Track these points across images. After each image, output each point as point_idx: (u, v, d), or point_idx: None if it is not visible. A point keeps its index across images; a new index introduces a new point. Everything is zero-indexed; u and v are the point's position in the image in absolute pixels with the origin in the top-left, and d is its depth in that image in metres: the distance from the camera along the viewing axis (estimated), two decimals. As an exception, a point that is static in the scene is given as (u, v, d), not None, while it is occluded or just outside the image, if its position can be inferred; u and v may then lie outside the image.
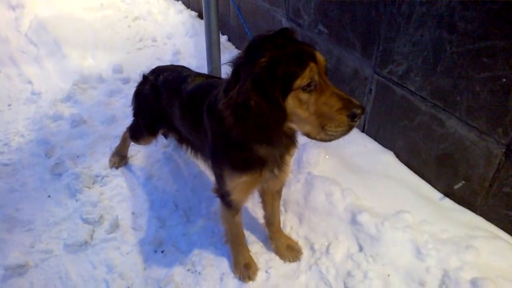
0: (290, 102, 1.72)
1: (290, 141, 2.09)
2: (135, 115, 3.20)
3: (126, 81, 4.43)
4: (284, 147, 2.12)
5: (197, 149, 2.75)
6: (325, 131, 1.71)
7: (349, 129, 1.70)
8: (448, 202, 2.83)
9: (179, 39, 4.96)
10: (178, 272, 2.71)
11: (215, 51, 3.73)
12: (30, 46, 5.15)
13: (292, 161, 2.43)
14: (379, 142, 3.25)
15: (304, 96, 1.70)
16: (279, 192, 2.63)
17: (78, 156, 3.62)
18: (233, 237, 2.63)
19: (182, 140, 2.93)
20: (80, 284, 2.72)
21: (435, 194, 2.89)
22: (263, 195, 2.65)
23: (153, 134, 3.11)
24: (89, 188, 3.34)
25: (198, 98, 2.37)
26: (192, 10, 5.75)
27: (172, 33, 5.27)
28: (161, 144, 3.68)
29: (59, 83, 4.49)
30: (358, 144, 3.26)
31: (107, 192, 3.32)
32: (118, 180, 3.40)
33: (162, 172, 3.44)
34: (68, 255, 2.89)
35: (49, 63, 4.81)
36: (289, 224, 2.87)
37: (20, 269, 2.80)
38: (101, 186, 3.38)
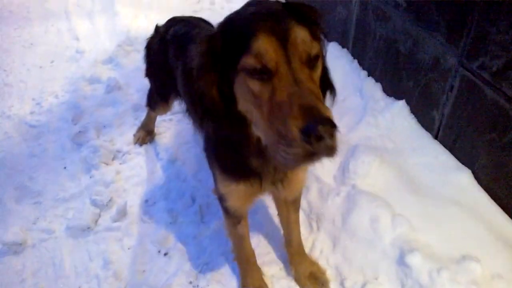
0: (237, 86, 1.21)
1: None
2: (146, 75, 2.76)
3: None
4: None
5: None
6: (277, 149, 1.09)
7: (307, 156, 1.04)
8: (538, 250, 2.08)
9: (238, 3, 4.40)
10: (178, 282, 2.27)
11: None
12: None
13: (303, 174, 1.85)
14: (454, 155, 2.50)
15: (252, 84, 1.15)
16: (294, 204, 2.05)
17: (104, 126, 3.28)
18: (239, 254, 2.14)
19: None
20: (72, 276, 2.40)
21: (520, 237, 2.15)
22: (277, 206, 2.13)
23: (165, 100, 2.65)
24: (107, 164, 2.99)
25: None
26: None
27: (231, -6, 4.73)
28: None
29: (105, 43, 4.17)
30: (426, 154, 2.54)
31: (124, 171, 2.94)
32: (139, 159, 3.01)
33: (188, 157, 2.98)
34: (67, 239, 2.58)
35: (100, 20, 4.51)
36: (319, 246, 2.29)
37: (16, 247, 2.55)
38: (120, 163, 3.01)
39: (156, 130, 3.20)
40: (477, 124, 2.28)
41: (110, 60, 3.91)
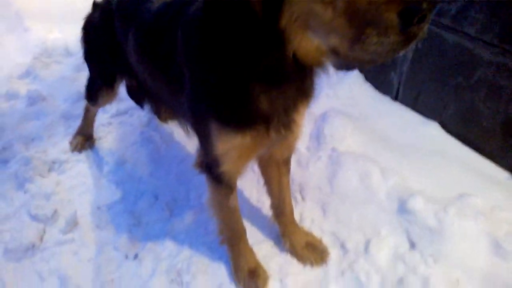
0: None
1: (302, 83, 1.36)
2: (86, 59, 2.42)
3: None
4: (294, 93, 1.39)
5: (168, 102, 1.95)
6: (363, 44, 0.95)
7: (405, 42, 0.92)
8: (519, 183, 2.11)
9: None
10: (157, 283, 1.95)
11: None
12: (-13, 21, 4.39)
13: (304, 119, 1.65)
14: (419, 112, 2.51)
15: None
16: (286, 164, 1.88)
17: (32, 139, 2.84)
18: (230, 232, 1.88)
19: (145, 90, 2.12)
20: (21, 302, 1.95)
21: (500, 173, 2.19)
22: (265, 170, 1.91)
23: (110, 85, 2.32)
24: (42, 177, 2.55)
25: (167, 20, 1.60)
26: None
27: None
28: (139, 123, 2.92)
29: (18, 59, 3.72)
30: (391, 115, 2.53)
31: (65, 181, 2.53)
32: (80, 167, 2.63)
33: (139, 157, 2.66)
34: (8, 263, 2.13)
35: (8, 38, 4.05)
36: (308, 216, 2.12)
37: None
38: (58, 174, 2.59)
39: (94, 136, 2.84)
40: (441, 73, 2.31)
41: (27, 74, 3.47)
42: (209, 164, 1.60)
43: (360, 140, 2.30)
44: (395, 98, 2.63)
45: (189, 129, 1.88)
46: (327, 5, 0.99)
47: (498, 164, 2.20)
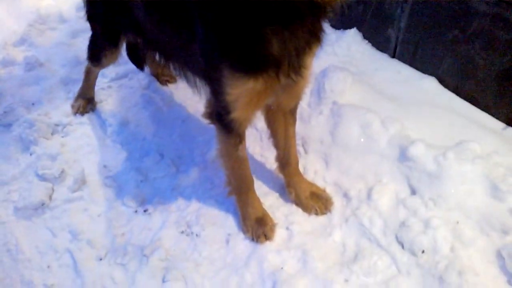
0: None
1: (313, 25, 1.40)
2: (89, 18, 2.40)
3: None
4: (305, 36, 1.42)
5: (177, 55, 1.97)
6: None
7: None
8: (513, 132, 2.19)
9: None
10: (168, 235, 2.02)
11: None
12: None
13: (312, 63, 1.69)
14: (416, 68, 2.56)
15: None
16: (293, 113, 1.93)
17: (33, 104, 2.85)
18: (239, 181, 1.94)
19: (152, 46, 2.14)
20: (35, 257, 2.04)
21: (496, 123, 2.27)
22: (271, 120, 1.96)
23: (114, 43, 2.33)
24: (46, 139, 2.59)
25: None
26: None
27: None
28: (139, 86, 2.93)
29: (12, 26, 3.66)
30: (389, 71, 2.58)
31: (70, 143, 2.57)
32: (84, 129, 2.66)
33: (141, 118, 2.70)
34: (19, 222, 2.19)
35: (0, 7, 3.98)
36: (311, 168, 2.19)
37: (-46, 243, 2.07)
38: (62, 136, 2.63)
39: (95, 99, 2.85)
40: (437, 28, 2.35)
41: (22, 41, 3.44)
42: (219, 112, 1.64)
43: (359, 94, 2.35)
44: (393, 55, 2.67)
45: (197, 82, 1.91)
46: None
47: (493, 115, 2.27)
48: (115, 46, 2.33)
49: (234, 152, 1.79)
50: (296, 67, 1.48)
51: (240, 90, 1.49)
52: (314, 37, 1.44)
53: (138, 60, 2.56)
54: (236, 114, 1.58)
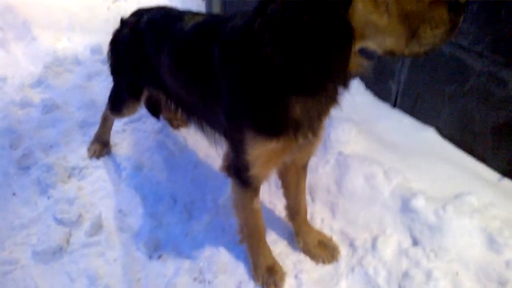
0: (360, 7, 1.18)
1: (336, 91, 1.53)
2: (112, 72, 2.57)
3: (106, 62, 3.72)
4: (326, 102, 1.56)
5: (199, 112, 2.11)
6: (417, 40, 1.17)
7: (453, 29, 1.16)
8: (508, 183, 2.32)
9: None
10: (182, 282, 2.11)
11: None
12: (-6, 30, 4.50)
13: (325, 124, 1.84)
14: (416, 118, 2.70)
15: None
16: (305, 168, 2.06)
17: (50, 146, 2.98)
18: (252, 231, 2.04)
19: (174, 102, 2.28)
20: (54, 302, 2.10)
21: (492, 174, 2.37)
22: (284, 174, 2.08)
23: (136, 97, 2.47)
24: (64, 182, 2.70)
25: (203, 37, 1.76)
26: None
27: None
28: (152, 130, 3.08)
29: (29, 67, 3.85)
30: (390, 121, 2.71)
31: (86, 186, 2.69)
32: (100, 172, 2.78)
33: (154, 162, 2.83)
34: (37, 265, 2.26)
35: (17, 47, 4.17)
36: (318, 216, 2.30)
37: (-25, 286, 2.16)
38: (79, 180, 2.74)
39: (110, 142, 2.99)
40: (436, 82, 2.50)
41: (39, 83, 3.60)
42: (238, 168, 1.75)
43: (363, 144, 2.48)
44: (394, 105, 2.82)
45: (216, 137, 2.04)
46: (382, 14, 1.18)
47: (490, 166, 2.39)
48: (137, 99, 2.47)
49: (249, 205, 1.90)
50: (315, 129, 1.62)
51: (260, 150, 1.61)
52: (334, 102, 1.57)
53: (154, 109, 2.71)
54: (254, 171, 1.70)
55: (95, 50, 3.97)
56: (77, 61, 3.87)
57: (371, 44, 1.26)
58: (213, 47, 1.62)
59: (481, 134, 2.39)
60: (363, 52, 1.29)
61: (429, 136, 2.58)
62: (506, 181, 2.32)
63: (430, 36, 1.16)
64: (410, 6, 1.15)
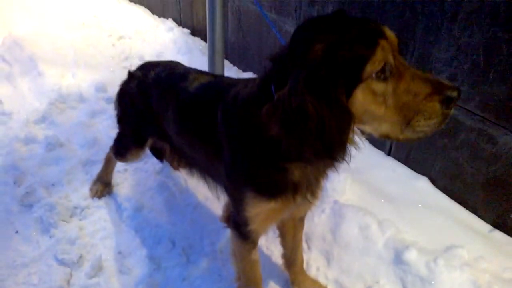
0: (360, 98, 1.27)
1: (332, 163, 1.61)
2: (119, 121, 2.67)
3: (110, 100, 3.89)
4: (325, 166, 1.65)
5: (202, 165, 2.21)
6: (411, 128, 1.29)
7: (444, 120, 1.28)
8: (499, 235, 2.40)
9: (170, 57, 4.52)
10: (178, 327, 2.15)
11: (219, 67, 3.29)
12: (1, 63, 4.60)
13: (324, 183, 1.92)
14: (410, 167, 2.81)
15: (378, 86, 1.26)
16: (302, 220, 2.14)
17: (52, 184, 3.05)
18: (249, 281, 2.09)
19: (177, 152, 2.38)
20: None
21: (483, 225, 2.46)
22: (282, 225, 2.16)
23: (141, 145, 2.57)
24: (66, 222, 2.76)
25: (206, 100, 1.89)
26: (184, 27, 5.31)
27: (162, 51, 4.82)
28: (153, 170, 3.15)
29: (34, 103, 3.94)
30: (385, 169, 2.81)
31: (87, 226, 2.74)
32: (101, 213, 2.84)
33: (155, 203, 2.90)
34: (38, 306, 2.30)
35: (22, 82, 4.27)
36: (314, 264, 2.36)
37: (-25, 327, 2.19)
38: (80, 219, 2.80)
39: (112, 182, 3.06)
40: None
41: (44, 119, 3.69)
42: (237, 222, 1.82)
43: (358, 193, 2.57)
44: (389, 153, 2.92)
45: (217, 188, 2.13)
46: (380, 104, 1.28)
47: (480, 217, 2.48)
48: (142, 147, 2.57)
49: (247, 256, 1.96)
50: (314, 190, 1.70)
51: (259, 209, 1.68)
52: (332, 165, 1.63)
53: (158, 154, 2.80)
54: (253, 227, 1.76)
55: (99, 88, 4.08)
56: (81, 98, 3.96)
57: (368, 128, 1.37)
58: (217, 111, 1.73)
59: (472, 186, 2.48)
60: (360, 132, 1.41)
61: (422, 185, 2.67)
62: (496, 232, 2.41)
63: (424, 126, 1.27)
64: (406, 99, 1.27)
